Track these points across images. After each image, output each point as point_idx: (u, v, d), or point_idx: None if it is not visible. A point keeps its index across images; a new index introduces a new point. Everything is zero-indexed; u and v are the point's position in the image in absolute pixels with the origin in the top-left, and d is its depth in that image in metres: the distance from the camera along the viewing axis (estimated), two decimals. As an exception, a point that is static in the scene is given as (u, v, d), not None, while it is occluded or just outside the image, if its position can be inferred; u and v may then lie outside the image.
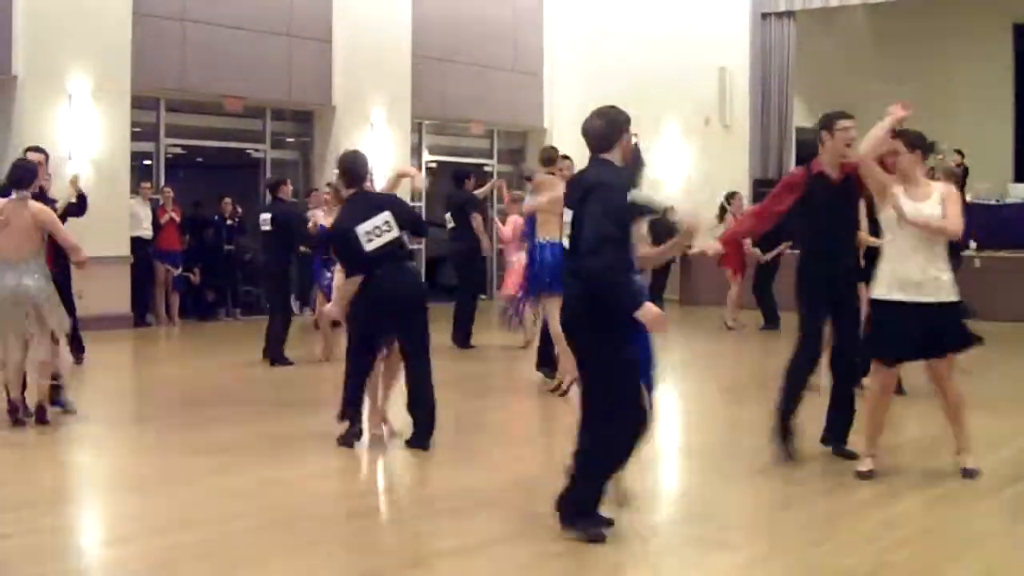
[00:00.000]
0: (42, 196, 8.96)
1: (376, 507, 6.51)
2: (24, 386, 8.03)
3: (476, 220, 13.06)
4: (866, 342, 6.66)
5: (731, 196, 15.79)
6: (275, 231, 11.56)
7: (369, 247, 7.21)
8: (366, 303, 7.30)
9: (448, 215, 13.49)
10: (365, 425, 7.50)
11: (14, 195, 7.98)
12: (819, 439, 7.22)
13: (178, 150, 17.10)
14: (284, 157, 17.84)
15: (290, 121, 17.97)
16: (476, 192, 13.64)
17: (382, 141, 17.40)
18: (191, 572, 4.96)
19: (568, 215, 5.39)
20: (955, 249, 7.62)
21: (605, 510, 5.35)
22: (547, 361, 9.91)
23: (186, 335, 15.03)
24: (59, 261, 8.74)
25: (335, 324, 10.09)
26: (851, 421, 7.12)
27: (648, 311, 5.02)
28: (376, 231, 7.23)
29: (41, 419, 7.97)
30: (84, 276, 13.77)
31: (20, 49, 13.68)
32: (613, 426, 5.20)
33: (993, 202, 17.44)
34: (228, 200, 16.50)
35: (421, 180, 8.40)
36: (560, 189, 6.91)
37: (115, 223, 14.44)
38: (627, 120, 5.38)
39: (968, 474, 6.59)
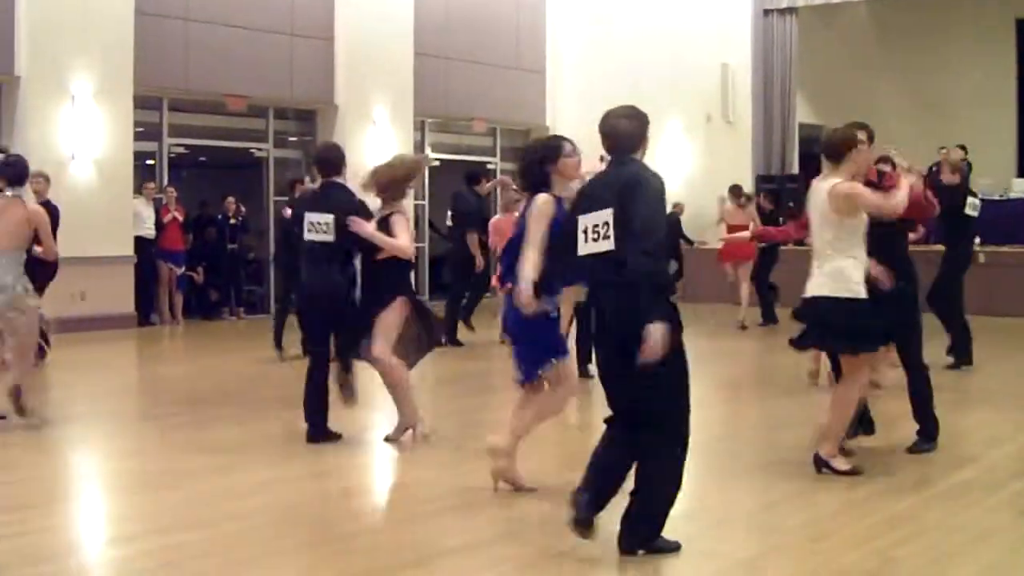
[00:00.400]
0: (47, 204, 9.53)
1: (378, 506, 6.52)
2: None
3: (471, 240, 12.80)
4: (849, 339, 6.52)
5: (735, 189, 15.60)
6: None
7: (306, 236, 7.38)
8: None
9: (450, 213, 13.46)
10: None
11: (9, 192, 8.04)
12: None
13: (181, 150, 17.14)
14: (287, 156, 17.85)
15: (293, 120, 17.99)
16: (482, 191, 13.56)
17: (385, 139, 17.42)
18: (195, 571, 4.96)
19: (599, 216, 4.95)
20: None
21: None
22: None
23: (190, 334, 15.05)
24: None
25: None
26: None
27: (661, 329, 4.75)
28: (318, 226, 7.29)
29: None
30: (88, 276, 13.92)
31: (23, 49, 13.71)
32: (681, 440, 5.07)
33: (996, 197, 17.40)
34: (231, 199, 16.53)
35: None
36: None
37: (119, 223, 14.48)
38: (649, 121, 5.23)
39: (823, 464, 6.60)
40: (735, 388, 10.30)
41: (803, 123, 19.56)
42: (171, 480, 6.64)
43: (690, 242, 18.45)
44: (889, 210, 6.45)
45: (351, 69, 17.29)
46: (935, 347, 11.09)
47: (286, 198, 13.11)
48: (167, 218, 15.44)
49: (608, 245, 4.91)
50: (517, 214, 6.79)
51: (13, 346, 8.02)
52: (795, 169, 19.37)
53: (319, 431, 7.39)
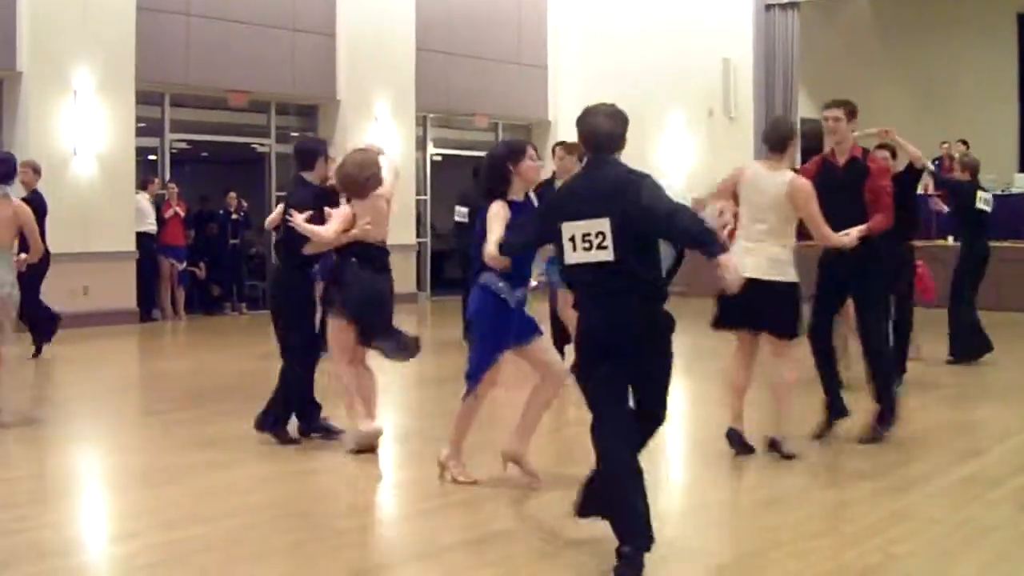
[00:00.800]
0: (36, 195, 9.68)
1: (378, 502, 6.52)
2: None
3: None
4: (788, 324, 6.84)
5: None
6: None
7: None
8: None
9: (466, 209, 13.39)
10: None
11: None
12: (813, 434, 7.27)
13: (183, 145, 17.14)
14: (289, 152, 17.71)
15: (294, 115, 17.98)
16: None
17: (387, 134, 17.41)
18: (197, 566, 4.96)
19: (593, 225, 4.80)
20: None
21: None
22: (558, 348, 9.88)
23: (192, 330, 15.06)
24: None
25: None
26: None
27: (732, 257, 4.96)
28: (284, 220, 7.23)
29: None
30: (90, 271, 13.93)
31: (24, 45, 13.70)
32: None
33: (999, 192, 17.37)
34: (233, 195, 16.53)
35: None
36: None
37: (121, 219, 14.49)
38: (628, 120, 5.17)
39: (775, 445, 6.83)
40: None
41: (805, 118, 19.50)
42: (173, 476, 6.64)
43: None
44: (817, 235, 6.88)
45: (353, 64, 17.28)
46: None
47: (287, 194, 13.03)
48: (168, 213, 15.44)
49: (606, 256, 4.77)
50: None
51: None
52: (797, 164, 19.32)
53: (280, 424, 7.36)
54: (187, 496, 6.18)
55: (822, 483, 6.55)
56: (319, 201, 7.21)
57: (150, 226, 15.12)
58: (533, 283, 6.68)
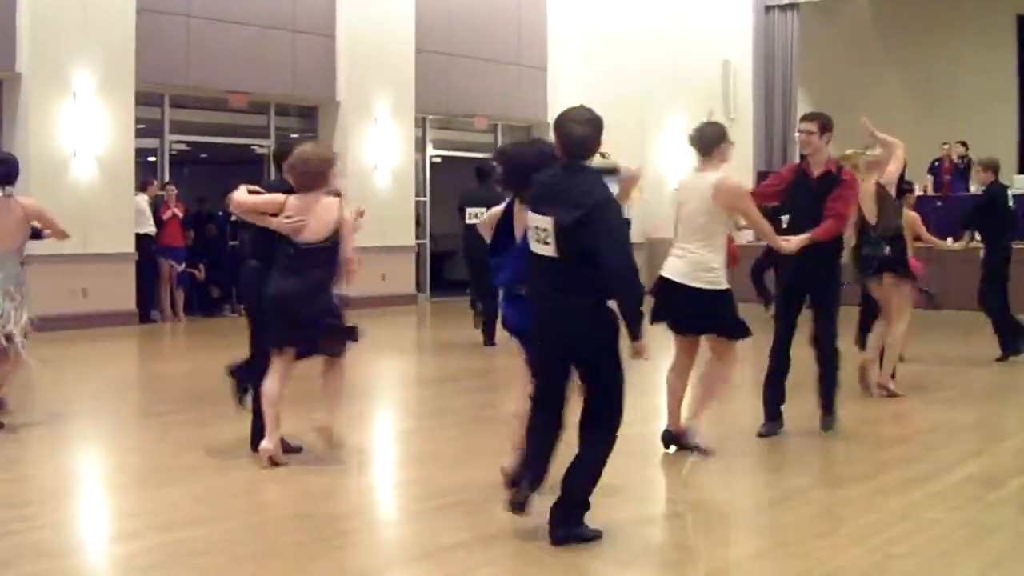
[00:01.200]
0: None
1: (378, 503, 6.52)
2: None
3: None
4: (732, 327, 6.90)
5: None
6: None
7: None
8: None
9: (477, 211, 13.33)
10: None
11: (1, 192, 8.00)
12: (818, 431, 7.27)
13: (182, 146, 17.13)
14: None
15: (294, 116, 17.98)
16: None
17: (386, 136, 17.42)
18: (196, 568, 4.96)
19: (543, 221, 5.08)
20: None
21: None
22: None
23: (191, 331, 15.06)
24: None
25: None
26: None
27: (644, 346, 5.06)
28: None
29: None
30: (89, 273, 13.92)
31: (24, 46, 13.70)
32: (615, 429, 5.22)
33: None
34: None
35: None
36: None
37: (120, 220, 14.47)
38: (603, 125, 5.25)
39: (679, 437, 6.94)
40: (734, 386, 10.25)
41: (805, 119, 19.54)
42: (172, 477, 6.64)
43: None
44: (759, 233, 7.11)
45: (353, 65, 17.28)
46: (976, 341, 11.21)
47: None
48: (167, 215, 15.43)
49: (549, 251, 5.08)
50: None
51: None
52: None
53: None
54: (186, 497, 6.18)
55: (822, 483, 6.55)
56: (285, 190, 7.06)
57: (150, 227, 15.12)
58: None
